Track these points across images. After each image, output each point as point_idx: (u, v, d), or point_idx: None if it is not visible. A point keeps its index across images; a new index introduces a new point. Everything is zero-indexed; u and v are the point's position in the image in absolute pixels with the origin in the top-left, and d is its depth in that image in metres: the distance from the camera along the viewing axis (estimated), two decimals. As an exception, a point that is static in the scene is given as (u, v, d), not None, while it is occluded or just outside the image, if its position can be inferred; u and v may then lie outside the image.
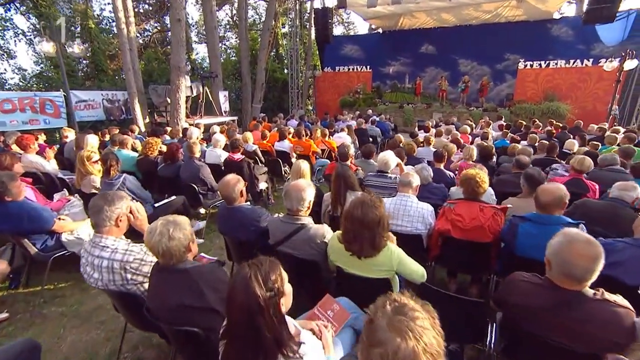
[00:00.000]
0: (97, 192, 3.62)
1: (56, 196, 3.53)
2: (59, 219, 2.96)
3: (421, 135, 7.90)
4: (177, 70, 8.46)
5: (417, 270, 2.08)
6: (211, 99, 10.70)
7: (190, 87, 9.88)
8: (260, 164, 6.04)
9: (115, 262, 1.76)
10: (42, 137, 5.70)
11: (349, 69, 17.34)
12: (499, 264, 2.73)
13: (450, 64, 16.42)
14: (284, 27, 20.56)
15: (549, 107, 12.01)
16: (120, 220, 1.88)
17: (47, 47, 5.84)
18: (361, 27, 25.53)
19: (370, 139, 9.59)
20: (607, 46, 13.56)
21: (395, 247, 2.06)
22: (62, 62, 6.31)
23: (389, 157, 3.80)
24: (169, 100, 9.09)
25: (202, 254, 2.62)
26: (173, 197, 3.97)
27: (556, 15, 14.43)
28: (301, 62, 17.57)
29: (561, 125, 9.54)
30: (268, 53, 14.30)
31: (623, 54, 9.49)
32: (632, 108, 11.27)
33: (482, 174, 2.76)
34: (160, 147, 4.84)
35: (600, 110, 12.40)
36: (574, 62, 12.74)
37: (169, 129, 7.59)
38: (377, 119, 10.65)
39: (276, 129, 8.92)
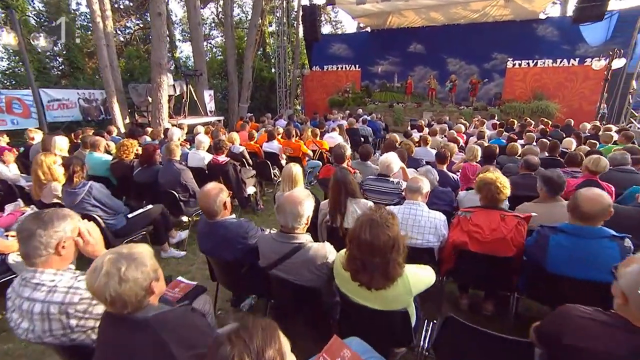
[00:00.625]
0: (60, 202, 3.12)
1: (8, 208, 3.01)
2: (7, 236, 2.46)
3: (415, 135, 7.58)
4: (158, 67, 7.90)
5: (430, 282, 1.79)
6: (195, 98, 10.14)
7: (173, 85, 9.31)
8: (247, 167, 5.59)
9: (52, 305, 1.30)
10: (4, 139, 5.09)
11: (337, 68, 16.95)
12: (522, 280, 2.38)
13: (438, 63, 16.22)
14: (271, 26, 20.05)
15: (538, 106, 11.92)
16: (63, 247, 1.41)
17: (8, 39, 5.23)
18: (349, 26, 25.25)
19: (362, 139, 9.23)
20: (591, 46, 13.69)
21: (409, 270, 1.67)
22: (26, 56, 5.68)
23: (392, 159, 3.41)
24: (150, 100, 8.52)
25: (180, 278, 2.18)
26: (149, 206, 3.49)
27: (542, 16, 14.41)
28: (289, 61, 17.12)
29: (550, 123, 9.44)
30: (255, 51, 13.78)
31: (611, 53, 9.41)
32: (621, 107, 11.24)
33: (502, 178, 2.40)
34: (137, 150, 4.33)
35: (586, 109, 12.40)
36: (560, 62, 12.71)
37: (150, 129, 7.04)
38: (369, 118, 10.30)
39: (264, 129, 8.47)
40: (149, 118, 8.93)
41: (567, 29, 13.92)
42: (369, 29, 17.94)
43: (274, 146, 6.26)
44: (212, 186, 2.10)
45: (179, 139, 5.14)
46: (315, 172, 6.76)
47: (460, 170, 4.47)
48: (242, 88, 12.20)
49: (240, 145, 6.27)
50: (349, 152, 3.75)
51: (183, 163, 3.97)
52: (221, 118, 10.66)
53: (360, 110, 12.28)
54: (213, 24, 21.26)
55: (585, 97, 12.51)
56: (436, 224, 2.51)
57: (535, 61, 12.95)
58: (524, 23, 14.27)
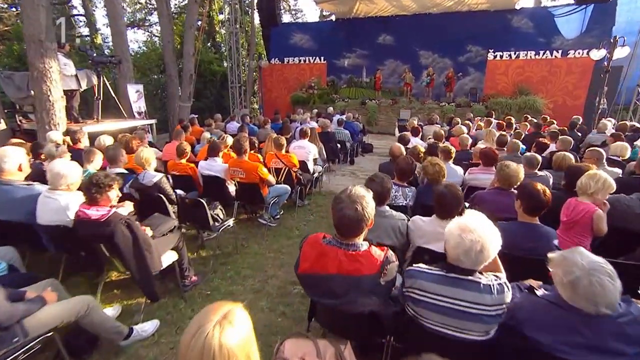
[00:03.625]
0: None
1: None
2: None
3: (415, 141, 5.66)
4: (37, 45, 5.21)
5: None
6: (114, 95, 7.41)
7: (76, 76, 6.56)
8: (169, 207, 3.25)
9: None
10: None
11: (299, 61, 14.75)
12: None
13: (410, 56, 14.81)
14: (222, 14, 17.30)
15: (525, 102, 10.66)
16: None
17: None
18: (310, 16, 23.12)
19: (339, 145, 7.18)
20: (567, 39, 12.92)
21: None
22: None
23: (483, 233, 1.34)
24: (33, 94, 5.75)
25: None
26: None
27: (517, 6, 13.37)
28: (243, 53, 14.59)
29: (544, 120, 8.07)
30: (200, 36, 11.12)
31: (612, 41, 8.21)
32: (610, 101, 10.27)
33: None
34: None
35: (570, 105, 11.42)
36: (543, 54, 11.60)
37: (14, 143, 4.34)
38: (344, 118, 8.25)
39: (208, 137, 6.10)
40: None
41: (542, 21, 13.16)
42: (333, 18, 16.02)
43: (215, 167, 3.96)
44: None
45: (20, 166, 2.66)
46: (282, 201, 4.57)
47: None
48: (182, 82, 9.55)
49: (166, 166, 3.92)
50: (371, 208, 1.57)
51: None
52: (152, 122, 7.99)
53: (331, 109, 10.22)
54: (152, 7, 17.91)
55: (569, 92, 11.52)
56: None
57: (517, 53, 11.72)
58: (499, 13, 13.31)
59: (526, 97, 10.75)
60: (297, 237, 4.12)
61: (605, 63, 8.38)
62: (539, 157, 3.52)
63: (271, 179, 4.07)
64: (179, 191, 3.93)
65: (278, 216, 4.67)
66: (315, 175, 5.60)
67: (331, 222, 1.57)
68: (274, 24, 12.72)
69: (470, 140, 5.13)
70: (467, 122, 6.85)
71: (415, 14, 14.20)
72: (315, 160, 5.70)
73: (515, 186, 2.76)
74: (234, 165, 3.95)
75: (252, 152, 4.83)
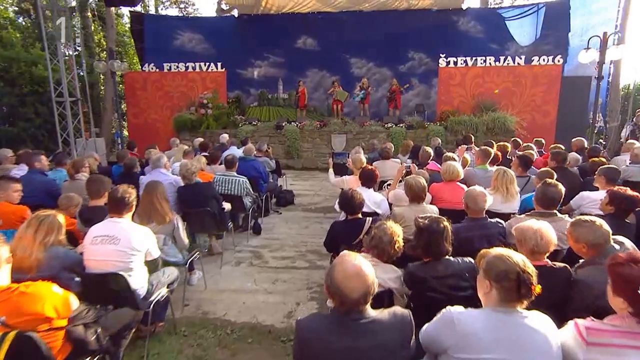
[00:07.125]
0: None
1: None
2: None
3: (372, 201, 3.09)
4: None
5: None
6: None
7: None
8: None
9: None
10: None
11: (187, 68, 11.75)
12: None
13: (339, 64, 13.30)
14: None
15: (494, 120, 9.22)
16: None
17: None
18: (205, 10, 20.60)
19: (226, 206, 4.26)
20: (522, 46, 12.62)
21: None
22: None
23: None
24: None
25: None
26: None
27: (464, 6, 12.77)
28: (100, 53, 11.09)
29: (539, 145, 6.53)
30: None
31: (602, 39, 7.09)
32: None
33: None
34: None
35: (540, 123, 10.41)
36: (504, 60, 10.58)
37: None
38: (241, 152, 5.45)
39: None
40: None
41: (493, 25, 12.85)
42: (235, 13, 13.73)
43: None
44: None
45: None
46: None
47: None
48: None
49: None
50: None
51: None
52: None
53: (225, 137, 7.35)
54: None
55: (537, 107, 10.54)
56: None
57: (474, 59, 10.52)
58: (443, 14, 12.63)
59: (494, 114, 9.34)
60: None
61: (596, 69, 7.15)
62: None
63: None
64: None
65: None
66: (161, 295, 2.60)
67: None
68: (129, 4, 9.70)
69: (489, 199, 2.70)
70: (451, 154, 4.58)
71: (342, 12, 12.75)
72: (152, 262, 2.70)
73: None
74: None
75: None
